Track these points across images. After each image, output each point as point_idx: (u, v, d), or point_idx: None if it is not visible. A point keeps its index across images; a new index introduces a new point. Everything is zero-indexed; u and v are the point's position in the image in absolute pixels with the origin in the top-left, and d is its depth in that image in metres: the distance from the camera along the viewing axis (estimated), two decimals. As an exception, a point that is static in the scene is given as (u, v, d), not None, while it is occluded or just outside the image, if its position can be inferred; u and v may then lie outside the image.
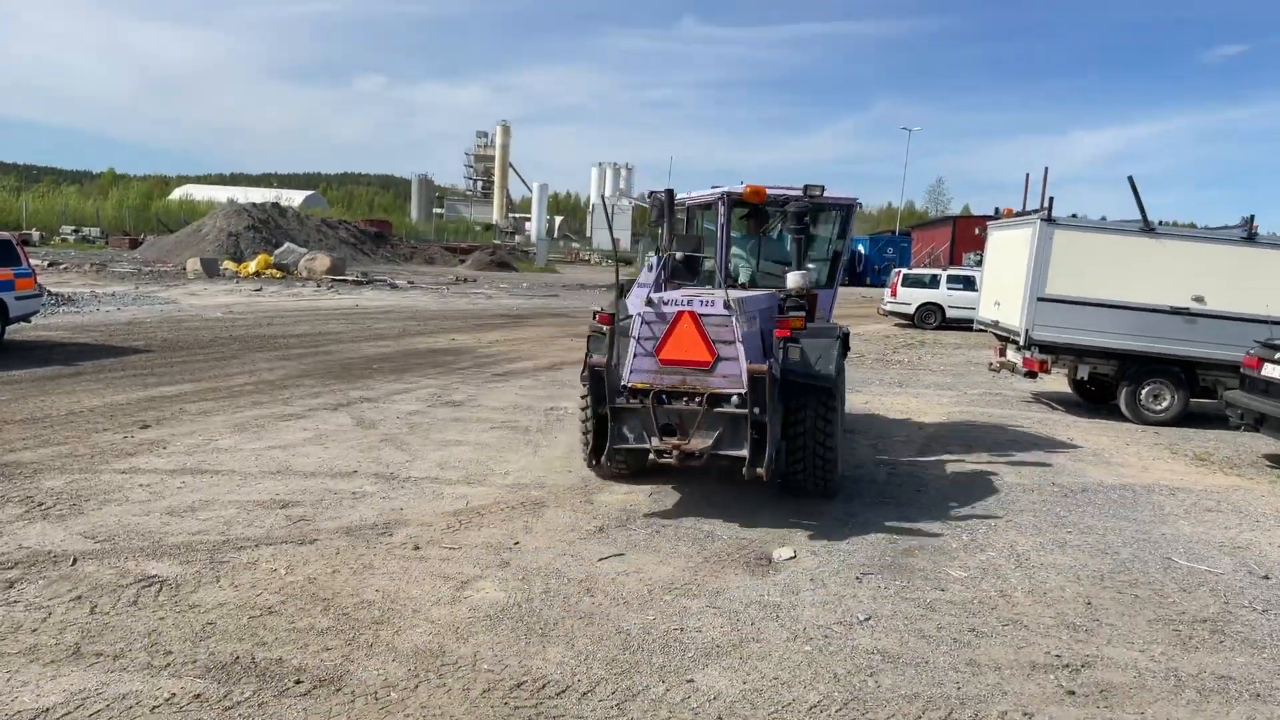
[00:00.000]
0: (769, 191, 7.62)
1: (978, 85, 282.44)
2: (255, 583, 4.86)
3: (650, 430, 6.10)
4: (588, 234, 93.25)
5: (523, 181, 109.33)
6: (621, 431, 6.25)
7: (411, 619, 4.50)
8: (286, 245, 37.97)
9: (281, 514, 6.06)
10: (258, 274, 32.96)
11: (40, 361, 11.84)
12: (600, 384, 6.13)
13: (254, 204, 46.39)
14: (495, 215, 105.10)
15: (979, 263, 22.82)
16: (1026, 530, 6.49)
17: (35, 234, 50.64)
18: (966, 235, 47.15)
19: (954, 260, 44.48)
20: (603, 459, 6.32)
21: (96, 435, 7.97)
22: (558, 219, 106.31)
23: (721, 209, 7.84)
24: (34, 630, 4.18)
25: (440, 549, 5.52)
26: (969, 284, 23.34)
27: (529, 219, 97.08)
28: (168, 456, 7.38)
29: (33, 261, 15.68)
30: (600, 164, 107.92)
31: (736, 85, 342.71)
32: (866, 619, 4.75)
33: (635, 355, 6.25)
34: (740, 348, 6.19)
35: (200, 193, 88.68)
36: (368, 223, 62.17)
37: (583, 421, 6.99)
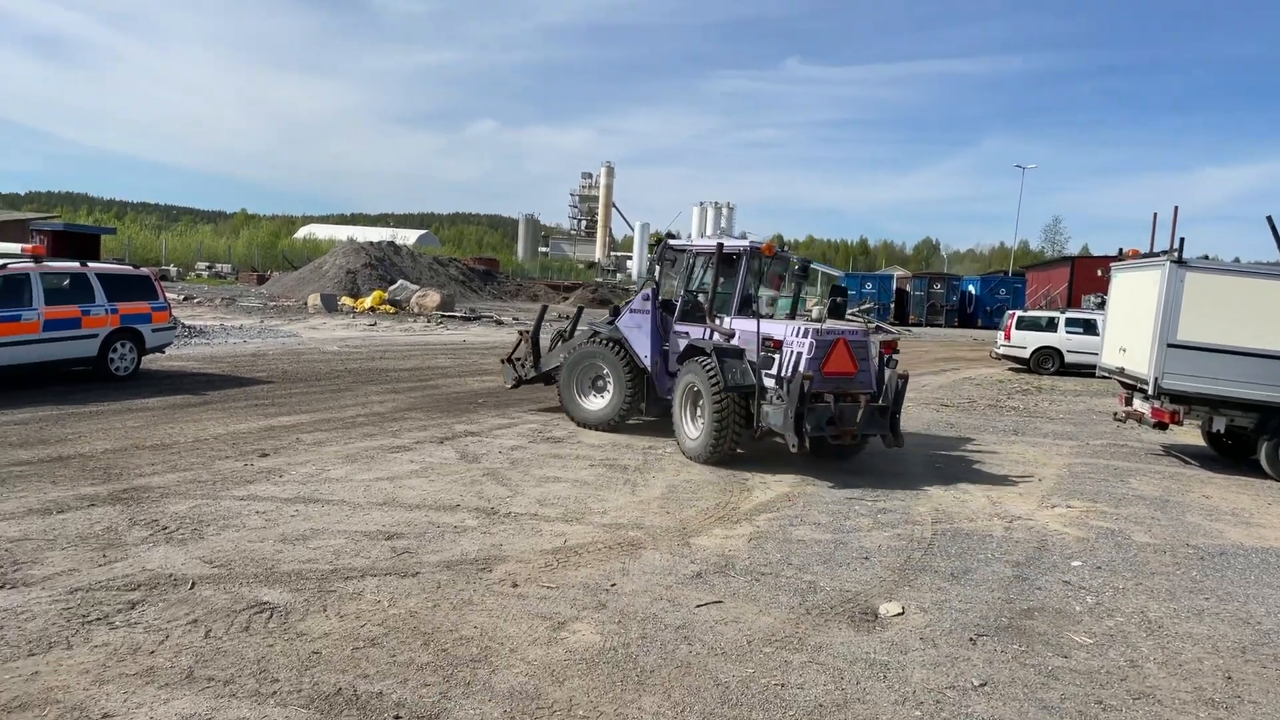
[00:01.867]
0: (775, 248, 10.25)
1: (1096, 122, 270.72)
2: (359, 613, 4.95)
3: (823, 421, 8.58)
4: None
5: (625, 221, 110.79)
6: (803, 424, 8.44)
7: (508, 658, 4.48)
8: (400, 282, 39.44)
9: (387, 545, 6.18)
10: (373, 309, 34.28)
11: (171, 390, 12.56)
12: (803, 389, 8.32)
13: (371, 242, 48.39)
14: (598, 253, 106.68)
15: (1100, 305, 21.72)
16: (1159, 595, 6.04)
17: (173, 269, 54.11)
18: (1087, 276, 45.21)
19: (1072, 302, 42.58)
20: (806, 445, 8.45)
21: (219, 462, 8.36)
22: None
23: (744, 258, 10.21)
24: (151, 652, 4.35)
25: (538, 587, 5.51)
26: (1089, 328, 22.24)
27: (630, 257, 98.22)
28: (283, 485, 7.66)
29: (169, 296, 16.73)
30: (701, 203, 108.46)
31: (840, 125, 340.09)
32: (982, 684, 4.48)
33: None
34: (873, 362, 9.12)
35: (323, 232, 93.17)
36: (476, 260, 64.04)
37: (726, 420, 9.04)
